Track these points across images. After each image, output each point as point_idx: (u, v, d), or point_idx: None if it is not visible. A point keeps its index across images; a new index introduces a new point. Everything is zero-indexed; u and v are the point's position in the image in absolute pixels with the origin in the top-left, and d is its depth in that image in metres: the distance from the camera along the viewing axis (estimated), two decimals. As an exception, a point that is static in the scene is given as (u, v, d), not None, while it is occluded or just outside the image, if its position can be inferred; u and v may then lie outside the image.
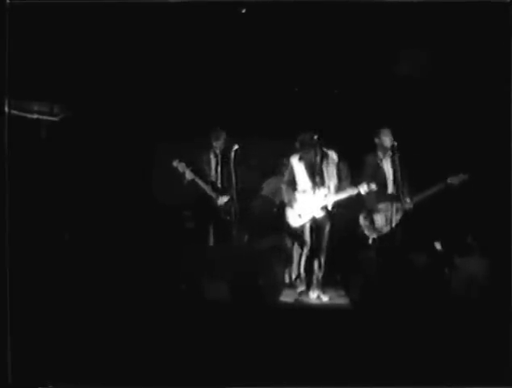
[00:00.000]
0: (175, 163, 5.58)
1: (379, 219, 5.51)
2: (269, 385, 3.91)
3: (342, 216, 5.45)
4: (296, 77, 5.70)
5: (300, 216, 5.35)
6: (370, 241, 5.54)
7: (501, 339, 4.13)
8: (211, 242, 5.68)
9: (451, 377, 3.85)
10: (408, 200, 5.32)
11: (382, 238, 5.47)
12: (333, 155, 5.29)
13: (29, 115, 5.07)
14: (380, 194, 5.40)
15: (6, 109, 4.27)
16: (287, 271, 5.68)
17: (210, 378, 3.90)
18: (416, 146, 5.25)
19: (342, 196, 5.24)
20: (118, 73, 5.44)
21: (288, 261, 5.64)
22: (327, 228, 5.32)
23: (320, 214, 5.28)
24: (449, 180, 5.15)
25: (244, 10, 4.86)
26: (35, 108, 5.10)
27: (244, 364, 4.03)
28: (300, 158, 5.31)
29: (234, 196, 5.64)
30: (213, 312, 4.45)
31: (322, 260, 5.37)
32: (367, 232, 5.56)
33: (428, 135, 5.26)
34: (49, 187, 5.14)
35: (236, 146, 5.44)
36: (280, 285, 5.45)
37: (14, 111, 4.54)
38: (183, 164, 5.58)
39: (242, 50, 5.44)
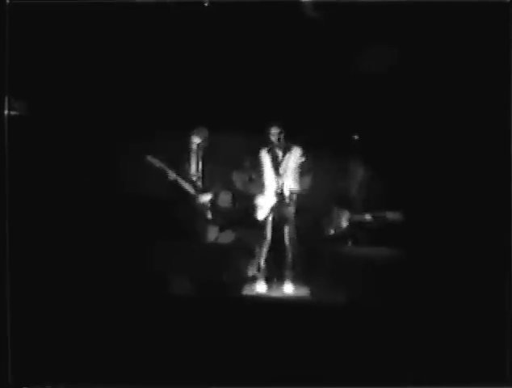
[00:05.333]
0: (150, 158, 5.60)
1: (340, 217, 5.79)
2: (233, 382, 3.97)
3: (305, 209, 5.59)
4: (265, 71, 5.63)
5: (262, 207, 5.53)
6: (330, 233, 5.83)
7: (498, 337, 4.15)
8: (185, 238, 5.70)
9: (445, 377, 3.88)
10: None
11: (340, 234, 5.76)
12: (297, 150, 5.49)
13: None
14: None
15: (6, 109, 4.31)
16: (249, 265, 5.73)
17: (175, 375, 3.98)
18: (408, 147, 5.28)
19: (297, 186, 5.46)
20: (99, 70, 5.37)
21: (251, 255, 5.71)
22: (289, 220, 5.45)
23: (278, 202, 5.42)
24: (387, 215, 5.42)
25: (207, 3, 4.83)
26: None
27: (206, 360, 4.10)
28: (268, 151, 5.52)
29: (215, 194, 5.79)
30: (177, 307, 4.50)
31: (286, 253, 5.49)
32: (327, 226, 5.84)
33: (424, 134, 5.23)
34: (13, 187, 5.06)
35: (200, 141, 5.60)
36: (243, 279, 5.53)
37: None
38: (158, 160, 5.61)
39: (208, 43, 5.38)
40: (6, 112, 4.38)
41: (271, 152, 5.51)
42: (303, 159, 5.49)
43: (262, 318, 4.49)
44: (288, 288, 5.47)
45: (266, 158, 5.54)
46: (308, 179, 5.49)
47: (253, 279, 5.58)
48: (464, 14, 4.51)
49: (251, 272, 5.67)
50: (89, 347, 4.11)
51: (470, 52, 4.59)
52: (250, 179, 5.64)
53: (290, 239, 5.50)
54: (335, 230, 5.76)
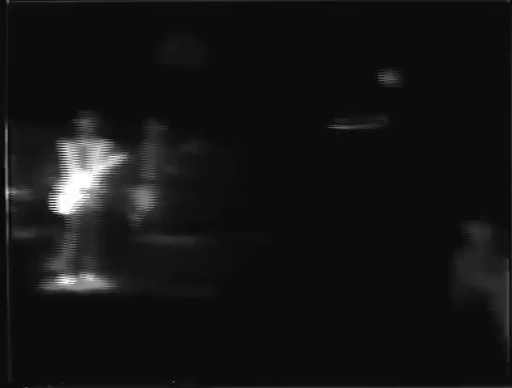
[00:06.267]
0: None
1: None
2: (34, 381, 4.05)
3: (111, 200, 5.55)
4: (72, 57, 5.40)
5: (66, 200, 5.48)
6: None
7: (498, 337, 4.16)
8: None
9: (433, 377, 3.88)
10: None
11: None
12: (102, 142, 5.44)
13: None
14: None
15: (6, 110, 4.31)
16: (54, 259, 5.67)
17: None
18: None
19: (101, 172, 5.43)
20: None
21: (55, 249, 5.65)
22: (94, 212, 5.45)
23: (82, 196, 5.45)
24: None
25: None
26: None
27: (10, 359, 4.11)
28: (73, 143, 5.46)
29: (17, 188, 5.67)
30: None
31: (92, 245, 5.48)
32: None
33: (422, 135, 5.23)
34: None
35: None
36: (46, 275, 5.47)
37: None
38: None
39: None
40: (5, 113, 4.40)
41: (77, 143, 5.44)
42: (111, 151, 5.44)
43: (67, 313, 4.41)
44: (93, 282, 5.42)
45: (70, 150, 5.48)
46: (116, 170, 5.42)
47: (57, 273, 5.52)
48: (464, 14, 4.53)
49: (55, 266, 5.59)
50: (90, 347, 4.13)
51: (469, 53, 4.60)
52: (54, 172, 5.56)
53: (96, 230, 5.47)
54: (139, 216, 5.63)
